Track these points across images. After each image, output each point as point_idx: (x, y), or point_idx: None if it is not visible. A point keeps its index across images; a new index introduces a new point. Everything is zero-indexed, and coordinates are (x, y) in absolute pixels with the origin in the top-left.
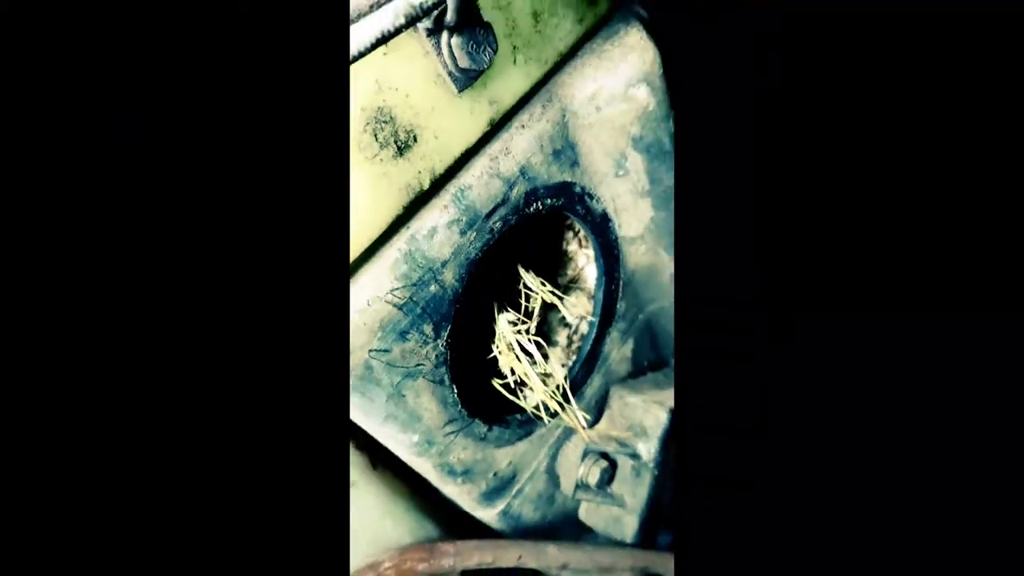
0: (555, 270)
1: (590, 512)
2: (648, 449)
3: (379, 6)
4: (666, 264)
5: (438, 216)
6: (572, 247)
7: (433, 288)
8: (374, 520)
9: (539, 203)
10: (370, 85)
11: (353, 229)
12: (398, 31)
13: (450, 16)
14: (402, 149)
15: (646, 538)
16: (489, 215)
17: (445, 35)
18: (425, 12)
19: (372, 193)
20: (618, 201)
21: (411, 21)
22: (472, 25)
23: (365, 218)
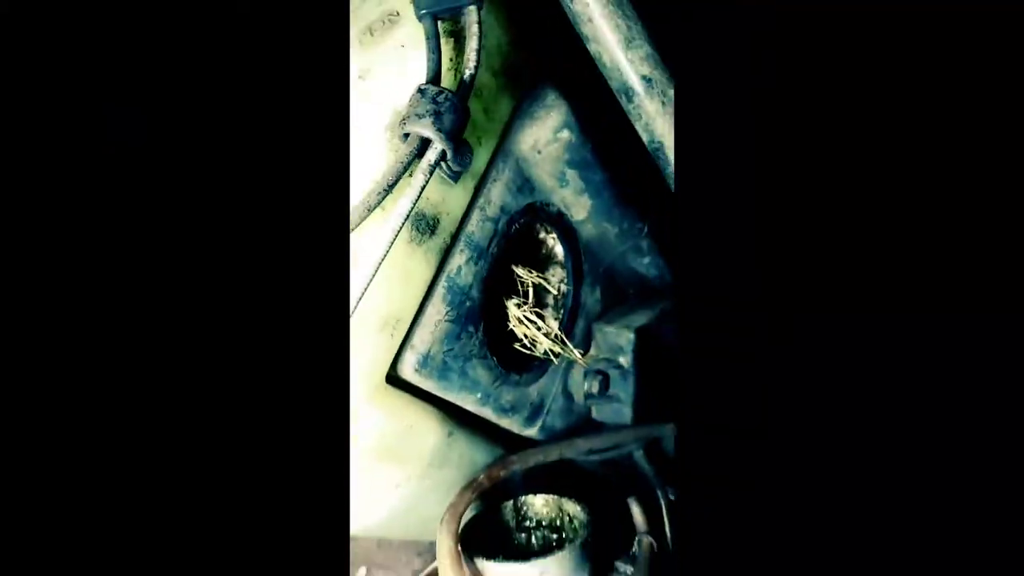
0: (536, 255)
1: (599, 411)
2: (626, 360)
3: (406, 167)
4: (607, 231)
5: (459, 259)
6: (543, 235)
7: (468, 304)
8: (468, 455)
9: (516, 224)
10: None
11: (413, 283)
12: (424, 187)
13: (449, 155)
14: (433, 230)
15: (639, 419)
16: (488, 246)
17: (447, 156)
18: (437, 162)
19: (422, 260)
20: (566, 201)
21: (431, 172)
22: (461, 146)
23: (421, 273)
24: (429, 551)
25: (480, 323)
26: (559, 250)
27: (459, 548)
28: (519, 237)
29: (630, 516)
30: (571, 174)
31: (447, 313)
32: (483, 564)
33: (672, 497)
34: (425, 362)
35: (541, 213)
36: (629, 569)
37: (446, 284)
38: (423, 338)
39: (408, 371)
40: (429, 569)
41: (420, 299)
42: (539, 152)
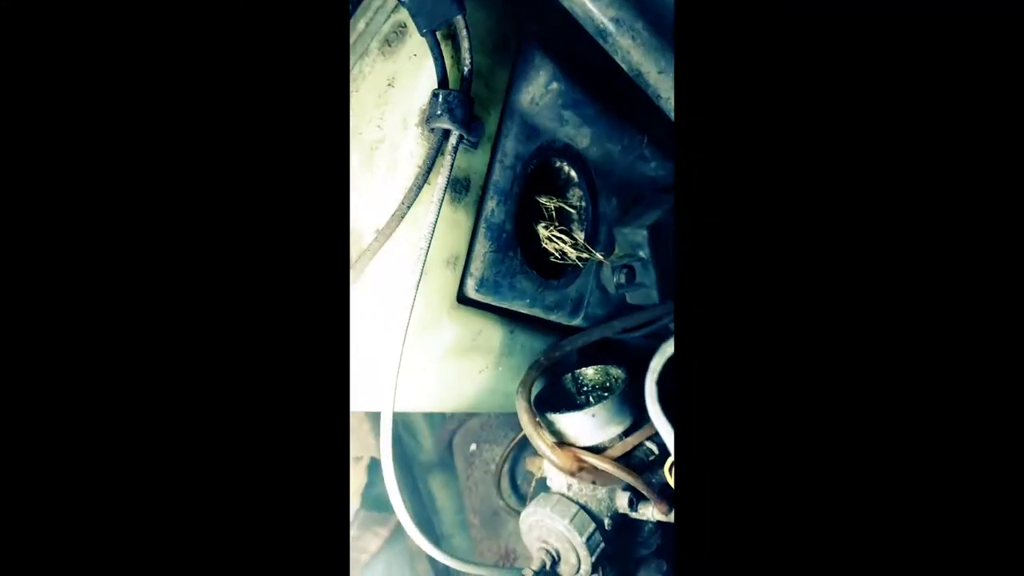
0: (555, 183)
1: (632, 297)
2: (644, 252)
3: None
4: (611, 150)
5: (491, 204)
6: (557, 164)
7: (504, 236)
8: (529, 344)
9: (531, 165)
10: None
11: (461, 230)
12: (453, 163)
13: (465, 136)
14: (466, 188)
15: (664, 297)
16: (511, 188)
17: (464, 137)
18: (458, 143)
19: (463, 212)
20: (570, 135)
21: (455, 152)
22: (473, 122)
23: (466, 221)
24: (519, 427)
25: (517, 248)
26: (574, 174)
27: (532, 407)
28: (537, 174)
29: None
30: (567, 114)
31: (490, 246)
32: (551, 416)
33: None
34: (482, 283)
35: (550, 151)
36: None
37: (485, 225)
38: (476, 267)
39: (471, 291)
40: (519, 435)
41: (469, 240)
42: (537, 104)
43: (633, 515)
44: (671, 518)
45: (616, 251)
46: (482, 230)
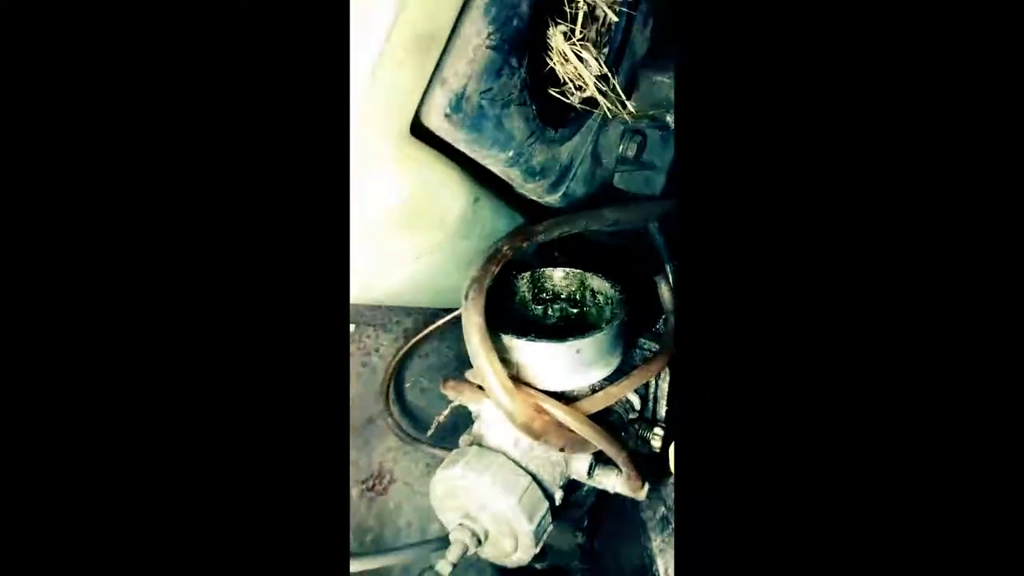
0: None
1: (623, 179)
2: (672, 118)
3: None
4: None
5: None
6: None
7: (515, 22)
8: (491, 224)
9: None
10: None
11: None
12: None
13: None
14: None
15: (670, 190)
16: None
17: None
18: None
19: None
20: None
21: None
22: None
23: None
24: (420, 312)
25: (526, 54)
26: None
27: (484, 322)
28: None
29: (653, 293)
30: None
31: (490, 35)
32: (513, 342)
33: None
34: (458, 105)
35: None
36: (654, 347)
37: None
38: (457, 69)
39: (436, 118)
40: (425, 332)
41: (457, 13)
42: None
43: (587, 482)
44: (642, 495)
45: (631, 104)
46: (489, 8)
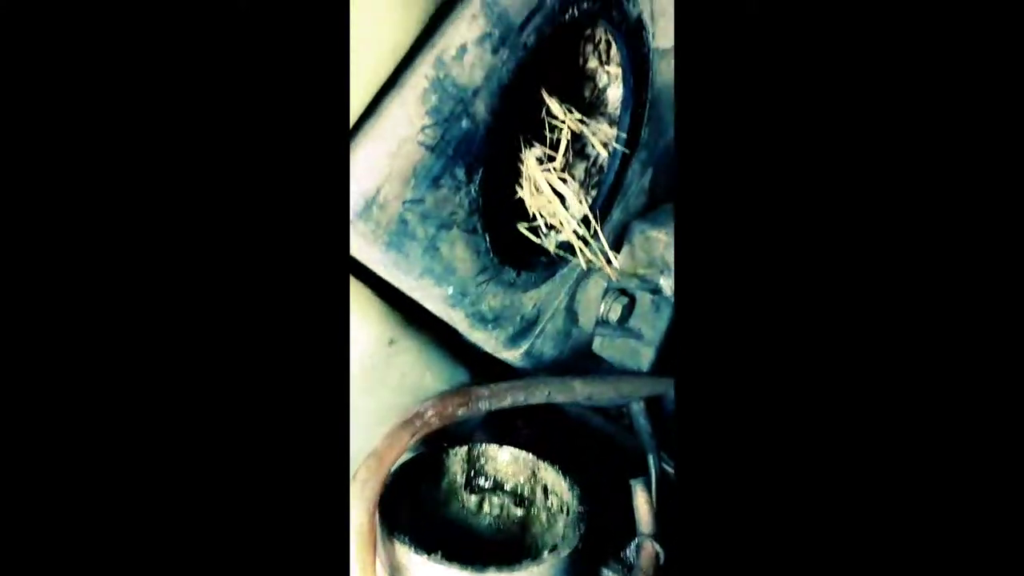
0: (575, 92)
1: (605, 345)
2: (668, 282)
3: None
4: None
5: (466, 30)
6: (592, 64)
7: (465, 123)
8: (414, 373)
9: (575, 7)
10: None
11: (372, 50)
12: None
13: None
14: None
15: (661, 367)
16: (523, 26)
17: None
18: None
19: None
20: (655, 4)
21: None
22: None
23: (384, 36)
24: None
25: (480, 168)
26: (612, 94)
27: (377, 525)
28: (559, 39)
29: (628, 499)
30: None
31: (424, 128)
32: (410, 557)
33: (668, 468)
34: (368, 209)
35: (614, 10)
36: None
37: (434, 70)
38: (372, 161)
39: (360, 230)
40: None
41: (387, 73)
42: None
43: None
44: None
45: (623, 259)
46: (422, 78)
